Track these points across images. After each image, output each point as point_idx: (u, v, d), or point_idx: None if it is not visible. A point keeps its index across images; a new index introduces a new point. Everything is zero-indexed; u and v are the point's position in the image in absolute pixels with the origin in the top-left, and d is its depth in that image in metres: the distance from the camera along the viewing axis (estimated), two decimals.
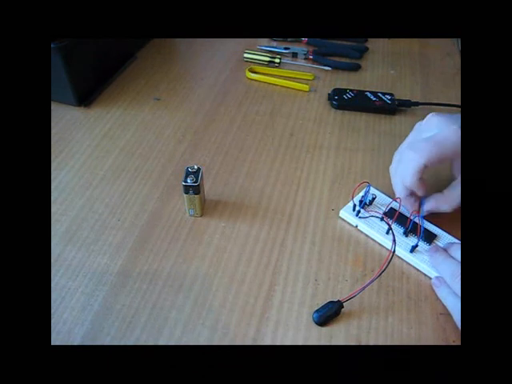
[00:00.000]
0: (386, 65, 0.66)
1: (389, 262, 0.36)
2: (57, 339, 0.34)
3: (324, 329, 0.36)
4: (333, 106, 0.58)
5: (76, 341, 0.34)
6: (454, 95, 0.60)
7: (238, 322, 0.36)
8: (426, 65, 0.66)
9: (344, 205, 0.44)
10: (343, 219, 0.44)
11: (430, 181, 0.41)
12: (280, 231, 0.43)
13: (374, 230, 0.42)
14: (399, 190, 0.42)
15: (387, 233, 0.42)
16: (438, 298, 0.38)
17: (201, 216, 0.44)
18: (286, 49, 0.67)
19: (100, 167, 0.49)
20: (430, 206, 0.42)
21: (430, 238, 0.41)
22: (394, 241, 0.36)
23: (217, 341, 0.35)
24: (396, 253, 0.39)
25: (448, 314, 0.36)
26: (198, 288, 0.38)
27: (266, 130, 0.54)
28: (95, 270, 0.39)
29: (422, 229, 0.39)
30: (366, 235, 0.43)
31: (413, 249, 0.40)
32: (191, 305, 0.37)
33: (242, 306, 0.37)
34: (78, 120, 0.55)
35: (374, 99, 0.58)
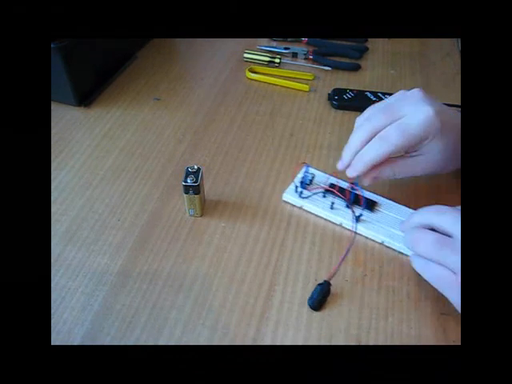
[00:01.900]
0: (386, 65, 0.66)
1: (355, 231, 0.41)
2: (57, 339, 0.34)
3: (324, 329, 0.36)
4: (333, 105, 0.58)
5: (76, 341, 0.34)
6: (454, 95, 0.59)
7: (238, 322, 0.36)
8: (426, 65, 0.66)
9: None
10: (287, 202, 0.45)
11: None
12: (280, 231, 0.43)
13: (320, 208, 0.43)
14: (355, 144, 0.42)
15: (331, 208, 0.43)
16: (438, 298, 0.37)
17: (201, 216, 0.44)
18: (286, 49, 0.67)
19: (100, 167, 0.49)
20: (386, 172, 0.42)
21: (372, 205, 0.43)
22: (348, 206, 0.42)
23: (217, 341, 0.35)
24: (348, 226, 0.43)
25: (448, 314, 0.36)
26: (198, 288, 0.38)
27: (266, 130, 0.54)
28: (95, 270, 0.39)
29: (364, 198, 0.42)
30: (328, 222, 0.43)
31: (357, 219, 0.42)
32: (191, 305, 0.37)
33: (242, 305, 0.37)
34: (78, 120, 0.55)
35: (374, 99, 0.58)
